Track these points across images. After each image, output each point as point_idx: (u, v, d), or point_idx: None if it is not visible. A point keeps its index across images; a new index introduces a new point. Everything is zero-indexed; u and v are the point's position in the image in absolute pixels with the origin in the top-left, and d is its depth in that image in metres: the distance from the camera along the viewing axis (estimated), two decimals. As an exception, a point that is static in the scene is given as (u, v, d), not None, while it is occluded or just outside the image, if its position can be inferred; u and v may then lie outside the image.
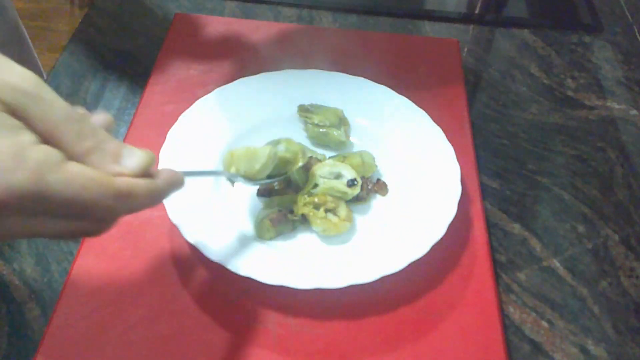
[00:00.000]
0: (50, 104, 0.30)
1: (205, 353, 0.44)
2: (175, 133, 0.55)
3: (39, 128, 0.29)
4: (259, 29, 0.72)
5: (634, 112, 0.68)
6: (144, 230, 0.51)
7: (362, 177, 0.54)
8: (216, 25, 0.73)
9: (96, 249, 0.50)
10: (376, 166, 0.56)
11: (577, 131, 0.66)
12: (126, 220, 0.52)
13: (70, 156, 0.30)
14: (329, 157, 0.56)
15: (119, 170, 0.31)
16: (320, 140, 0.58)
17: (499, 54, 0.75)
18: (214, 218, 0.50)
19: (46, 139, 0.30)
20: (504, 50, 0.75)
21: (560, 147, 0.64)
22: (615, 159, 0.63)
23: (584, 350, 0.48)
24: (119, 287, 0.48)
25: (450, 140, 0.56)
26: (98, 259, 0.49)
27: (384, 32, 0.75)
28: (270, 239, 0.50)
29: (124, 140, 0.57)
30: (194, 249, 0.46)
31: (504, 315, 0.49)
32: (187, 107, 0.57)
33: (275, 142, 0.53)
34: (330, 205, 0.51)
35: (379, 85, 0.61)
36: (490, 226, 0.55)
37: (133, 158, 0.32)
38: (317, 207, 0.51)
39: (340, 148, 0.58)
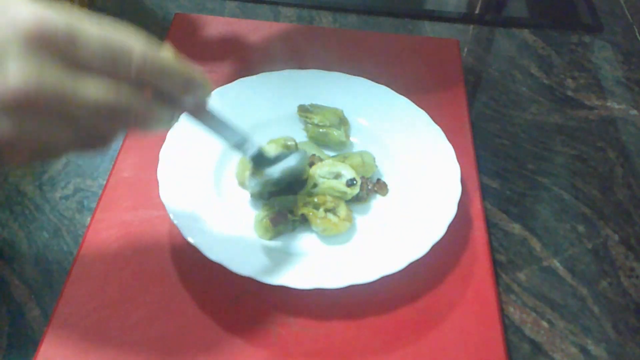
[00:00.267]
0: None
1: (205, 353, 0.44)
2: (175, 133, 0.55)
3: None
4: (259, 29, 0.72)
5: (634, 112, 0.68)
6: (144, 230, 0.51)
7: (362, 177, 0.54)
8: (216, 25, 0.73)
9: (96, 249, 0.50)
10: (376, 166, 0.56)
11: (577, 131, 0.66)
12: (126, 220, 0.52)
13: None
14: (329, 157, 0.56)
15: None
16: (320, 140, 0.58)
17: (499, 54, 0.75)
18: (214, 218, 0.50)
19: None
20: (503, 50, 0.75)
21: (560, 147, 0.64)
22: (615, 159, 0.63)
23: (584, 350, 0.48)
24: (119, 287, 0.48)
25: (450, 140, 0.56)
26: (98, 258, 0.49)
27: (383, 32, 0.75)
28: (270, 239, 0.50)
29: (125, 139, 0.57)
30: (194, 249, 0.46)
31: (504, 315, 0.49)
32: (187, 107, 0.57)
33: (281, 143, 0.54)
34: (329, 205, 0.51)
35: (379, 85, 0.61)
36: (490, 226, 0.55)
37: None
38: (316, 207, 0.51)
39: (340, 148, 0.58)
